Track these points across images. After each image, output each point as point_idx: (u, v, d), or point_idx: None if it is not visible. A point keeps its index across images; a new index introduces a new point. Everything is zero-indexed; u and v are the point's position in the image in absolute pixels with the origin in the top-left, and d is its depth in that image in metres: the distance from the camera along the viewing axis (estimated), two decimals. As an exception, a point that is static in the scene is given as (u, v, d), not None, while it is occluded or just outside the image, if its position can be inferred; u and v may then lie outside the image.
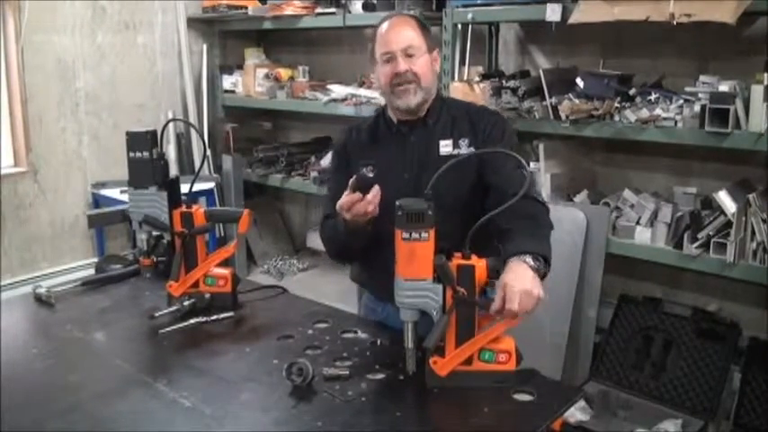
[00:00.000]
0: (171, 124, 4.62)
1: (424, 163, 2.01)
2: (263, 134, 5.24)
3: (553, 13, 3.09)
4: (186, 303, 2.08)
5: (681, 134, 2.88)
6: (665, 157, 3.36)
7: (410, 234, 1.60)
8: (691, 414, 2.99)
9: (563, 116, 3.13)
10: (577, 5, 3.04)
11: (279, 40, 5.14)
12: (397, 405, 1.59)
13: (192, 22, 4.92)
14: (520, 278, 1.59)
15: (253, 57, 4.98)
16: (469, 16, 3.43)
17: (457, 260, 1.62)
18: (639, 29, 2.93)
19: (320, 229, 2.15)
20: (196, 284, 2.13)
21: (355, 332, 1.98)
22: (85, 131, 4.45)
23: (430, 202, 1.61)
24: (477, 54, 3.75)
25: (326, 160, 4.49)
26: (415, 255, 1.60)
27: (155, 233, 2.26)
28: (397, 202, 1.63)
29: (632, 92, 3.08)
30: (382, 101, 3.89)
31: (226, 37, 5.10)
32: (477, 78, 3.59)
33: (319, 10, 4.27)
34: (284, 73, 4.72)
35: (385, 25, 2.08)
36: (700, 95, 2.83)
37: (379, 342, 1.91)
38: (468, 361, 1.65)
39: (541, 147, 3.39)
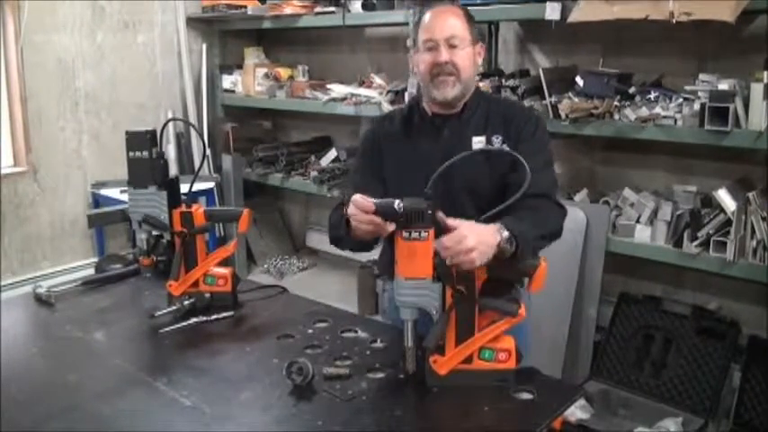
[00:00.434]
0: (170, 124, 4.61)
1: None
2: (263, 133, 5.24)
3: (553, 11, 3.08)
4: (186, 303, 2.08)
5: (680, 133, 2.88)
6: (665, 156, 3.36)
7: (410, 233, 1.59)
8: (691, 412, 2.99)
9: (563, 115, 3.13)
10: (577, 4, 3.04)
11: (278, 40, 5.14)
12: (398, 404, 1.59)
13: (192, 22, 4.92)
14: (473, 228, 1.59)
15: (252, 56, 4.98)
16: (469, 15, 3.42)
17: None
18: (639, 27, 2.93)
19: (332, 211, 2.09)
20: (196, 284, 2.13)
21: (355, 331, 1.98)
22: (85, 131, 4.45)
23: (430, 201, 1.61)
24: (476, 53, 3.74)
25: (327, 159, 4.50)
26: (415, 254, 1.60)
27: (154, 233, 2.26)
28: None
29: (632, 90, 3.08)
30: (382, 101, 3.92)
31: (225, 36, 5.11)
32: (476, 77, 3.59)
33: (319, 9, 4.27)
34: (284, 72, 4.73)
35: (431, 13, 2.05)
36: (699, 94, 2.83)
37: (379, 341, 1.90)
38: (468, 360, 1.65)
39: (541, 145, 3.38)
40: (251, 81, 4.81)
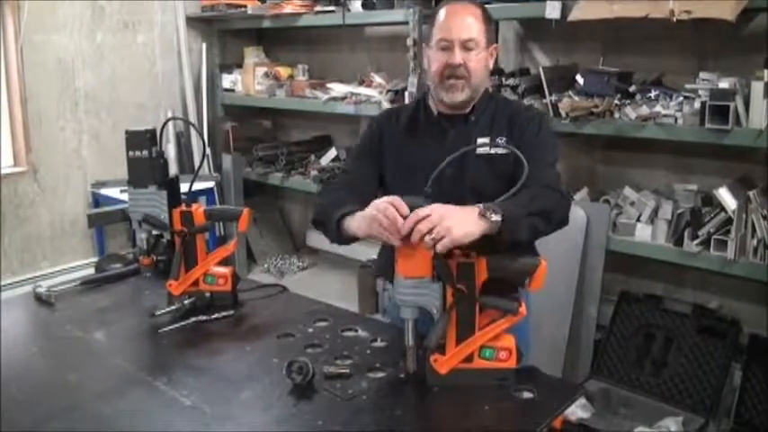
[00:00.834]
0: (170, 123, 4.61)
1: (462, 160, 1.92)
2: (263, 133, 5.24)
3: (553, 10, 3.08)
4: (186, 302, 2.08)
5: (681, 131, 2.88)
6: (666, 155, 3.35)
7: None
8: (692, 411, 2.99)
9: (563, 114, 3.13)
10: (577, 3, 3.04)
11: (278, 39, 5.14)
12: (398, 403, 1.59)
13: (192, 21, 4.92)
14: (450, 209, 1.58)
15: (252, 55, 4.98)
16: (469, 14, 3.42)
17: (456, 258, 1.61)
18: (639, 26, 2.93)
19: (323, 189, 2.09)
20: (196, 283, 2.13)
21: (355, 330, 1.98)
22: (85, 131, 4.45)
23: (429, 199, 1.61)
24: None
25: (327, 159, 4.50)
26: (414, 253, 1.60)
27: (154, 232, 2.26)
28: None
29: (632, 89, 3.08)
30: (382, 100, 3.92)
31: (225, 36, 5.10)
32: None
33: (319, 8, 4.26)
34: (284, 71, 4.73)
35: (448, 9, 2.00)
36: (700, 92, 2.83)
37: (379, 340, 1.90)
38: (469, 359, 1.65)
39: (541, 144, 3.38)
40: (251, 80, 4.81)
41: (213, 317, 2.06)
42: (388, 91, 3.96)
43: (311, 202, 5.22)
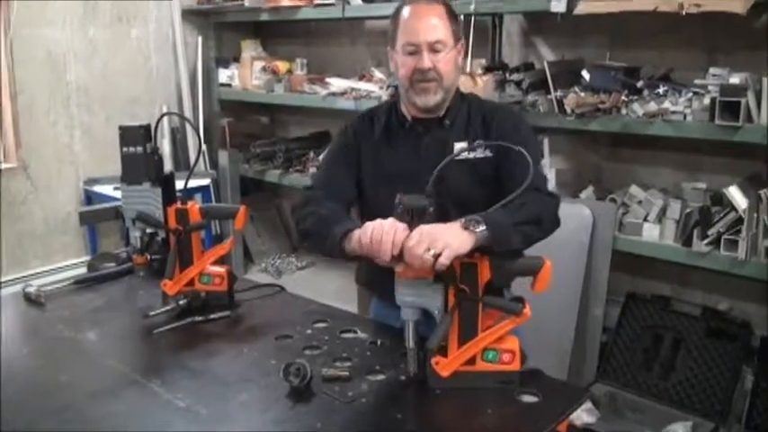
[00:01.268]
0: (165, 119, 4.62)
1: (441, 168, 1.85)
2: (261, 129, 5.24)
3: (558, 3, 3.08)
4: (181, 302, 2.07)
5: (690, 128, 2.87)
6: (674, 152, 3.35)
7: (410, 231, 1.59)
8: (701, 416, 2.99)
9: (568, 110, 3.13)
10: (583, -4, 3.03)
11: (276, 32, 5.14)
12: (398, 407, 1.59)
13: (187, 14, 4.92)
14: (435, 227, 1.58)
15: (249, 49, 4.98)
16: (472, 7, 3.43)
17: (459, 258, 1.61)
18: (647, 20, 2.93)
19: (309, 197, 2.00)
20: (191, 283, 2.13)
21: (355, 332, 1.98)
22: (77, 126, 4.45)
23: (431, 198, 1.61)
24: (480, 46, 3.74)
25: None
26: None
27: (149, 230, 2.26)
28: (397, 198, 1.63)
29: (640, 85, 3.08)
30: (383, 95, 3.92)
31: (221, 29, 5.10)
32: (479, 71, 3.59)
33: (318, 1, 4.26)
34: (282, 66, 4.72)
35: (412, 11, 1.96)
36: (710, 88, 2.82)
37: (379, 342, 1.90)
38: (471, 361, 1.65)
39: (546, 141, 3.38)
40: (248, 75, 4.80)
41: (209, 317, 2.06)
42: (389, 86, 3.96)
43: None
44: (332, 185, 2.05)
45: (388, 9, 3.88)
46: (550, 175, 3.35)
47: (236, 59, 4.98)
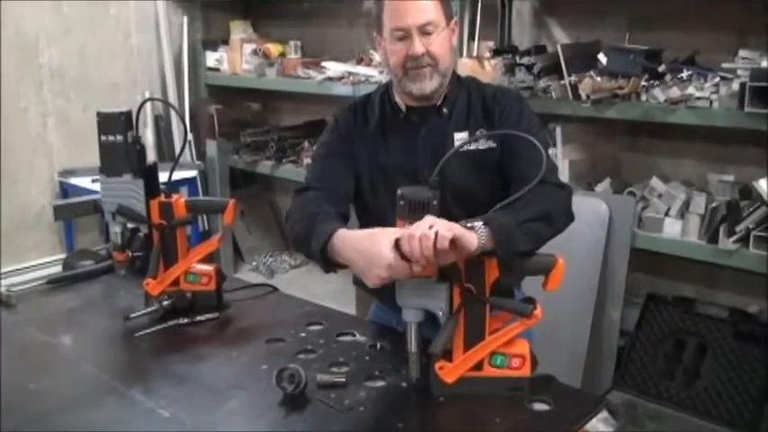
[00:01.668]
0: (148, 105, 4.62)
1: (440, 160, 1.74)
2: (251, 116, 5.24)
3: (573, -20, 3.08)
4: (165, 303, 2.08)
5: (716, 115, 2.87)
6: (699, 142, 3.35)
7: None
8: (728, 427, 2.99)
9: (583, 96, 3.13)
10: (600, -28, 3.04)
11: (268, 13, 5.13)
12: (399, 415, 1.59)
13: (172, -8, 4.92)
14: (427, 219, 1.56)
15: (239, 31, 4.98)
16: (479, -16, 3.43)
17: (465, 257, 1.61)
18: (670, -2, 2.93)
19: (294, 202, 1.98)
20: (176, 282, 2.13)
21: (353, 335, 1.98)
22: (51, 113, 4.45)
23: (435, 191, 1.61)
24: (488, 27, 3.74)
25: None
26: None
27: (130, 226, 2.25)
28: (399, 191, 1.62)
29: (662, 68, 3.07)
30: (383, 79, 3.91)
31: (209, 8, 5.10)
32: (487, 54, 3.59)
33: (313, -22, 4.27)
34: (274, 49, 4.72)
35: None
36: (739, 72, 2.82)
37: (379, 346, 1.91)
38: (478, 366, 1.65)
39: (559, 130, 3.38)
40: (237, 58, 4.80)
41: (195, 319, 2.07)
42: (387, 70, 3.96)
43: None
44: (326, 181, 2.01)
45: (389, -13, 3.91)
46: (563, 167, 3.35)
47: (225, 42, 4.98)
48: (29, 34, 4.31)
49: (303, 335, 1.98)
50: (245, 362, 1.84)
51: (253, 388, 1.70)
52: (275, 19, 5.12)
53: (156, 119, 4.85)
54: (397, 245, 1.56)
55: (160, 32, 4.88)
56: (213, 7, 5.10)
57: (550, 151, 3.30)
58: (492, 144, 1.96)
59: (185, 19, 4.99)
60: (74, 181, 4.35)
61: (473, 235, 1.57)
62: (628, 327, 3.37)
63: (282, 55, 4.71)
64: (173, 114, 4.82)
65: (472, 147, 1.95)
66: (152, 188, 2.17)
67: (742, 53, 2.90)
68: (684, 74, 3.03)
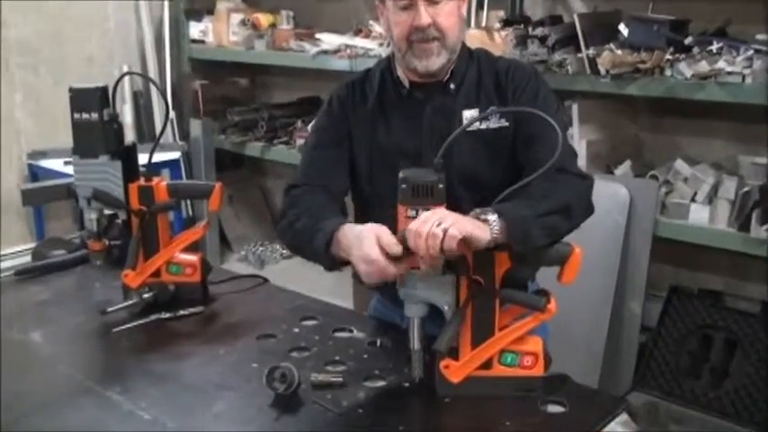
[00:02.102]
0: (126, 80, 4.61)
1: (446, 140, 1.71)
2: (239, 93, 5.23)
3: (591, -58, 3.07)
4: (145, 296, 2.09)
5: (749, 92, 2.86)
6: (729, 121, 3.34)
7: (416, 211, 1.59)
8: (759, 430, 3.00)
9: (602, 70, 3.12)
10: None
11: (257, -21, 5.12)
12: (401, 418, 1.59)
13: (151, -44, 4.90)
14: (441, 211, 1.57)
15: (225, -1, 4.97)
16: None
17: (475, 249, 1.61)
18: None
19: (285, 206, 1.99)
20: (158, 273, 2.14)
21: (350, 331, 1.99)
22: (19, 90, 4.43)
23: (441, 173, 1.60)
24: (498, -6, 3.73)
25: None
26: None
27: (106, 212, 2.26)
28: (401, 173, 1.62)
29: (688, 41, 3.06)
30: (383, 53, 3.90)
31: (192, -26, 5.09)
32: (497, 25, 3.57)
33: (306, -60, 4.25)
34: (264, 19, 4.70)
35: None
36: (773, 45, 2.81)
37: (379, 343, 1.91)
38: (487, 365, 1.65)
39: (575, 108, 3.37)
40: (224, 29, 4.79)
41: (178, 314, 2.07)
42: (390, 43, 3.95)
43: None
44: (318, 175, 2.01)
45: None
46: (580, 148, 3.34)
47: (210, 11, 4.96)
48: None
49: (296, 331, 1.99)
50: (233, 360, 1.84)
51: (241, 388, 1.70)
52: (265, -14, 5.11)
53: (135, 95, 4.84)
54: (401, 239, 1.57)
55: (139, 1, 4.86)
56: (197, -27, 5.09)
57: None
58: (504, 123, 1.94)
59: (166, -14, 4.98)
60: (44, 163, 4.34)
61: (485, 230, 1.56)
62: (649, 322, 3.37)
63: (273, 26, 4.68)
64: (153, 90, 4.81)
65: (482, 125, 1.93)
66: (131, 171, 2.18)
67: (777, 24, 2.90)
68: (714, 46, 3.01)
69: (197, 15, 5.02)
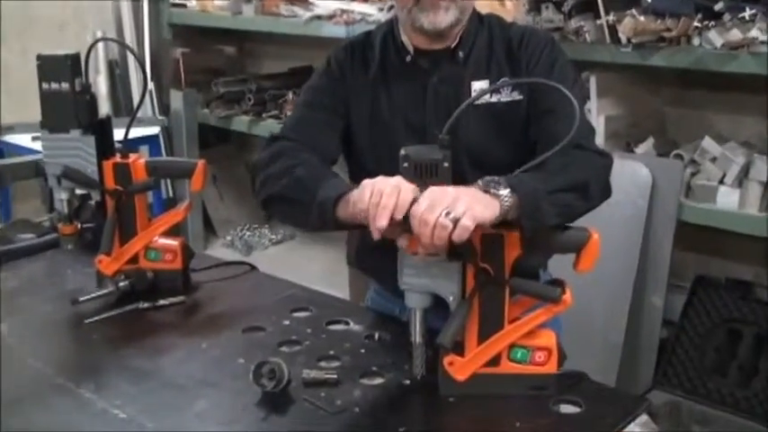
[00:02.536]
0: (100, 47, 4.61)
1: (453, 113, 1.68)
2: (225, 63, 5.24)
3: None
4: (121, 284, 2.09)
5: (785, 63, 2.86)
6: (762, 95, 3.33)
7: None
8: (790, 432, 3.02)
9: (623, 39, 3.10)
10: None
11: (244, -64, 5.09)
12: (401, 418, 1.59)
13: None
14: (447, 188, 1.53)
15: (210, -42, 4.95)
16: None
17: (482, 229, 1.60)
18: None
19: (267, 156, 1.93)
20: (135, 259, 2.14)
21: (346, 323, 1.99)
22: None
23: (446, 150, 1.59)
24: (509, -45, 3.70)
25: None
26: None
27: (78, 192, 2.25)
28: (403, 150, 1.61)
29: (718, 7, 3.04)
30: (383, 17, 3.89)
31: (173, -69, 5.06)
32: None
33: None
34: (252, -20, 4.69)
35: None
36: (813, 11, 2.80)
37: (377, 337, 1.91)
38: (495, 361, 1.65)
39: (593, 80, 3.37)
40: (208, -8, 4.78)
41: (157, 303, 2.07)
42: (391, 6, 3.93)
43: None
44: (308, 134, 1.99)
45: None
46: (598, 124, 3.34)
47: (193, -28, 4.95)
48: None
49: (286, 323, 1.99)
50: (217, 355, 1.85)
51: (226, 386, 1.71)
52: (253, -55, 5.08)
53: (111, 64, 4.84)
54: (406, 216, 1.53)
55: (115, -40, 4.85)
56: (178, -71, 5.07)
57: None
58: (517, 96, 1.93)
59: (145, -56, 4.96)
60: (10, 139, 4.35)
61: (495, 207, 1.53)
62: (672, 315, 3.38)
63: (262, -12, 4.68)
64: (130, 59, 4.81)
65: (493, 98, 1.93)
66: (105, 147, 2.17)
67: (818, -13, 2.88)
68: (747, 13, 2.99)
69: (178, -24, 5.01)
